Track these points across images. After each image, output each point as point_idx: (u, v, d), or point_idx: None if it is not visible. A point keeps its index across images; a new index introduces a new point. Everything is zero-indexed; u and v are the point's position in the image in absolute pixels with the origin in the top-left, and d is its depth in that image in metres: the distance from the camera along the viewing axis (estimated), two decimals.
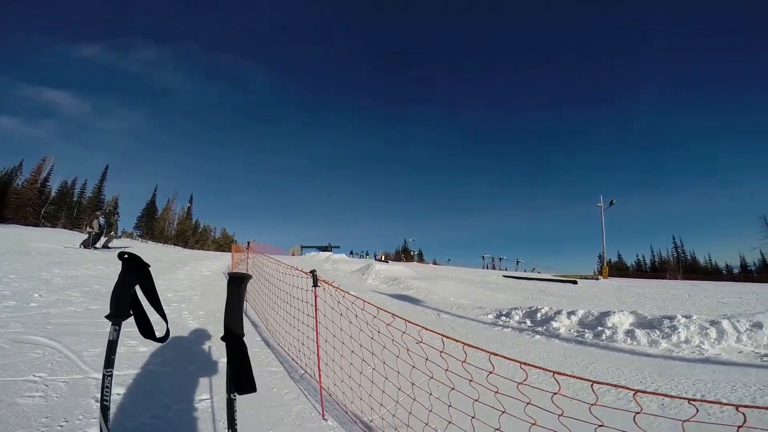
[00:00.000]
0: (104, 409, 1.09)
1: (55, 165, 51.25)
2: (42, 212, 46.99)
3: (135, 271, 1.15)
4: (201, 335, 4.89)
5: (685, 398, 1.32)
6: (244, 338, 1.26)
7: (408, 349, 2.51)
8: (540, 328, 6.48)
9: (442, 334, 2.16)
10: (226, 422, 1.24)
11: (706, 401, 1.34)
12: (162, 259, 14.62)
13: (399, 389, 2.76)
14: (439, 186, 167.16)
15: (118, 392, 2.92)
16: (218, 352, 4.28)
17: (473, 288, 12.97)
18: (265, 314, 5.66)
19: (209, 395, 3.09)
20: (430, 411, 2.50)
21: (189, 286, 8.82)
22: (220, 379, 3.49)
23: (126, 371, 3.35)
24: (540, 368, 1.69)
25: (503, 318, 7.42)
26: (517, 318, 7.26)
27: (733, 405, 1.25)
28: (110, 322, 1.18)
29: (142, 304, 1.28)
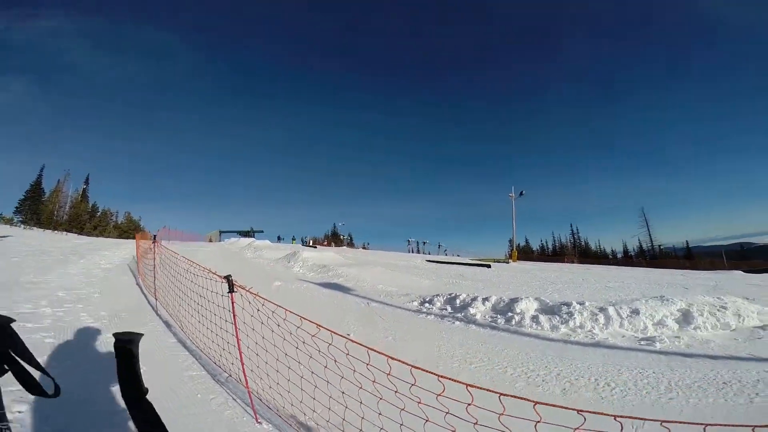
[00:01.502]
0: None
1: None
2: None
3: None
4: (105, 339, 4.37)
5: (532, 401, 1.50)
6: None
7: (336, 361, 2.46)
8: (459, 315, 6.89)
9: (367, 347, 2.13)
10: None
11: (550, 405, 1.52)
12: (50, 251, 12.71)
13: (330, 397, 2.71)
14: (367, 171, 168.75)
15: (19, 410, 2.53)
16: None
17: (399, 274, 13.35)
18: (178, 314, 5.22)
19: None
20: (362, 418, 2.50)
21: (86, 283, 7.80)
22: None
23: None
24: (457, 381, 1.76)
25: (426, 305, 7.77)
26: (438, 305, 7.64)
27: (574, 409, 1.47)
28: None
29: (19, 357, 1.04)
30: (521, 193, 37.92)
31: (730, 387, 3.66)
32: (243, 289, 2.88)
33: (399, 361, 1.94)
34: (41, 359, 3.49)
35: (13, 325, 0.98)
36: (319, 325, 2.31)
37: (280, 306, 2.78)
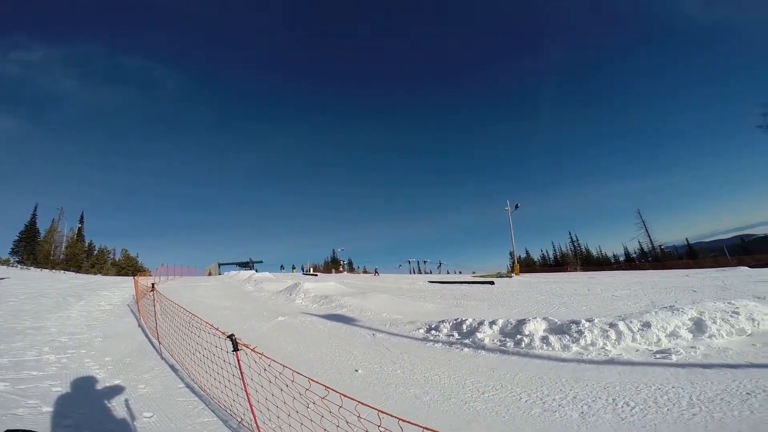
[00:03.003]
0: None
1: None
2: None
3: None
4: (113, 386, 4.35)
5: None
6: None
7: (347, 422, 2.35)
8: (467, 340, 6.74)
9: (378, 410, 2.03)
10: None
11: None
12: (48, 293, 12.54)
13: None
14: (364, 193, 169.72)
15: None
16: (138, 405, 3.81)
17: (403, 300, 13.17)
18: (183, 360, 5.10)
19: None
20: None
21: (87, 326, 7.67)
22: None
23: None
24: None
25: (433, 332, 7.61)
26: (445, 331, 7.49)
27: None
28: None
29: None
30: (516, 206, 38.18)
31: (755, 397, 3.54)
32: (248, 348, 2.78)
33: (411, 423, 1.85)
34: (52, 409, 3.45)
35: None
36: (328, 387, 2.22)
37: (287, 367, 2.68)
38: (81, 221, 50.96)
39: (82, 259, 46.51)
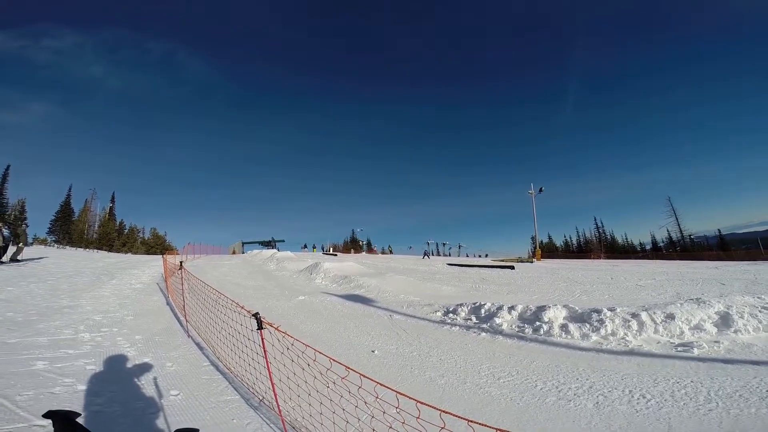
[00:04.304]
0: None
1: None
2: None
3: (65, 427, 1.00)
4: (142, 364, 4.56)
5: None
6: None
7: (366, 402, 2.45)
8: (485, 325, 6.76)
9: (396, 391, 2.10)
10: None
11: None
12: (83, 271, 13.23)
13: None
14: (383, 175, 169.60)
15: None
16: (165, 383, 4.02)
17: (421, 282, 13.27)
18: (209, 338, 5.33)
19: None
20: None
21: (119, 305, 8.08)
22: (175, 415, 3.27)
23: None
24: (482, 424, 1.71)
25: (450, 315, 7.67)
26: (463, 315, 7.53)
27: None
28: None
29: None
30: (540, 190, 37.36)
31: None
32: (272, 326, 2.89)
33: (428, 405, 1.91)
34: (85, 387, 3.68)
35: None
36: (348, 368, 2.30)
37: (309, 346, 2.78)
38: (112, 201, 53.08)
39: (114, 237, 48.58)
